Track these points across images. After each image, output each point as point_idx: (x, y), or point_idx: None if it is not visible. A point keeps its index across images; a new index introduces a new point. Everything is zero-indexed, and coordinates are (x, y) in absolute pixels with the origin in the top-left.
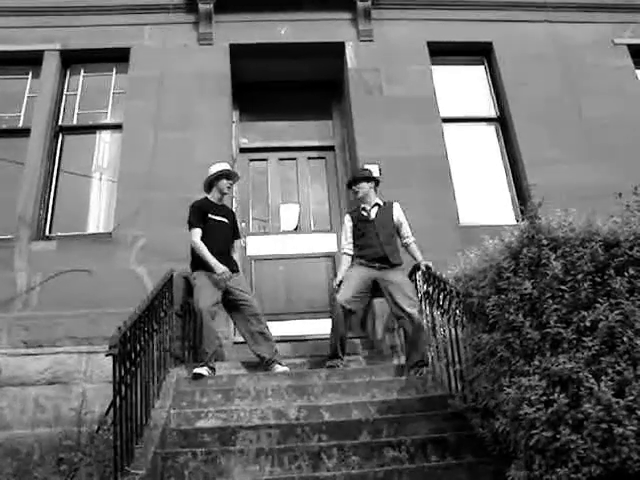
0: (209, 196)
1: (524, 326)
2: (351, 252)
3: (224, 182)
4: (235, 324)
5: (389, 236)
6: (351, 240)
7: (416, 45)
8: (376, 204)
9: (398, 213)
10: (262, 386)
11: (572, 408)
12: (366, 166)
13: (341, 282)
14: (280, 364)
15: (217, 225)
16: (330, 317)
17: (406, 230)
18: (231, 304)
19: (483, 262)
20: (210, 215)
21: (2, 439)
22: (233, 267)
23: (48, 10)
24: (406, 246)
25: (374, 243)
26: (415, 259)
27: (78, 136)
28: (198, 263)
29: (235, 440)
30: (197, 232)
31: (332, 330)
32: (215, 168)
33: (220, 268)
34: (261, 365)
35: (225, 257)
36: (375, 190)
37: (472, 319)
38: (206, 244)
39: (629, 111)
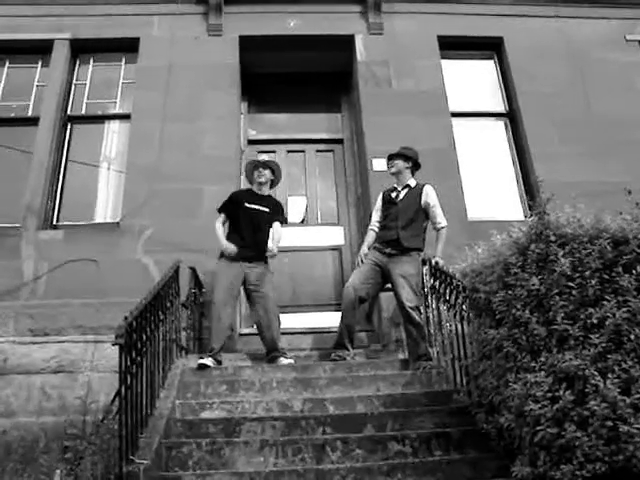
0: (253, 187)
1: (531, 322)
2: (377, 229)
3: (255, 172)
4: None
5: (410, 220)
6: (378, 218)
7: (426, 39)
8: (407, 185)
9: (426, 197)
10: (267, 378)
11: (577, 405)
12: (374, 160)
13: (366, 254)
14: (285, 357)
15: (253, 214)
16: (338, 308)
17: (435, 214)
18: (246, 293)
19: (491, 257)
20: (245, 204)
21: (8, 427)
22: (257, 257)
23: None
24: (436, 231)
25: (392, 226)
26: (435, 249)
27: (86, 126)
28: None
29: (239, 431)
30: (220, 219)
31: (340, 318)
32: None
33: (226, 246)
34: (265, 357)
35: (252, 245)
36: (413, 172)
37: (479, 314)
38: (236, 230)
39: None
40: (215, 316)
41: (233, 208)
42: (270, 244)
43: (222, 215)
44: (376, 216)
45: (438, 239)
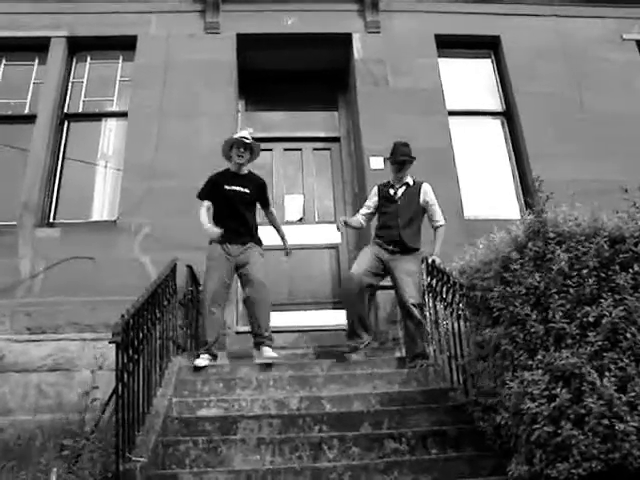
0: (230, 167)
1: (529, 319)
2: (363, 221)
3: (234, 151)
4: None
5: (410, 219)
6: (367, 211)
7: (423, 37)
8: (406, 183)
9: (425, 195)
10: (264, 376)
11: (574, 403)
12: (371, 159)
13: (346, 222)
14: (270, 347)
15: (233, 196)
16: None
17: (434, 212)
18: (238, 276)
19: (490, 254)
20: (225, 186)
21: (5, 424)
22: (245, 239)
23: None
24: (434, 229)
25: (393, 225)
26: (433, 247)
27: (84, 123)
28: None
29: (236, 429)
30: (205, 204)
31: (348, 307)
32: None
33: (207, 228)
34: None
35: (238, 227)
36: None
37: (475, 313)
38: (218, 214)
39: (636, 107)
40: (206, 309)
41: (214, 192)
42: (288, 247)
43: (206, 202)
44: (367, 208)
45: (436, 237)
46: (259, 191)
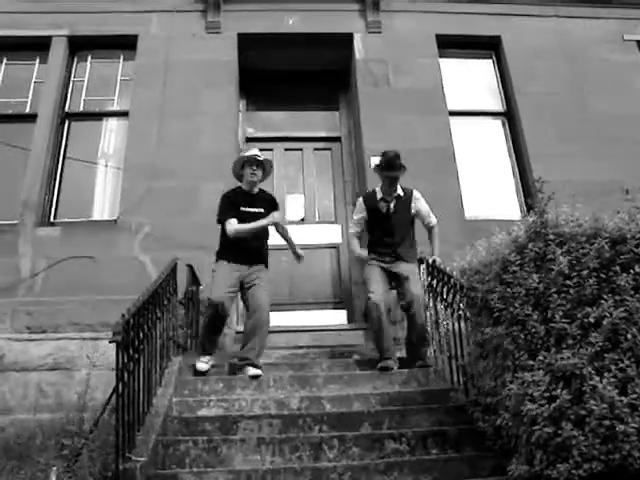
0: (242, 185)
1: (529, 320)
2: (358, 234)
3: (246, 169)
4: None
5: (404, 235)
6: (358, 229)
7: (424, 37)
8: (397, 196)
9: (418, 204)
10: (264, 376)
11: (574, 404)
12: (372, 159)
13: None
14: (254, 366)
15: (248, 218)
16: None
17: (426, 216)
18: (243, 298)
19: (489, 255)
20: (241, 208)
21: (5, 423)
22: (254, 260)
23: None
24: (428, 230)
25: (388, 242)
26: (432, 248)
27: (84, 123)
28: (221, 252)
29: (236, 429)
30: (233, 222)
31: (376, 331)
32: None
33: (270, 219)
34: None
35: (251, 248)
36: None
37: (477, 313)
38: (231, 239)
39: (637, 107)
40: (207, 318)
41: (232, 212)
42: (298, 251)
43: (233, 219)
44: (358, 225)
45: (433, 238)
46: (272, 210)
